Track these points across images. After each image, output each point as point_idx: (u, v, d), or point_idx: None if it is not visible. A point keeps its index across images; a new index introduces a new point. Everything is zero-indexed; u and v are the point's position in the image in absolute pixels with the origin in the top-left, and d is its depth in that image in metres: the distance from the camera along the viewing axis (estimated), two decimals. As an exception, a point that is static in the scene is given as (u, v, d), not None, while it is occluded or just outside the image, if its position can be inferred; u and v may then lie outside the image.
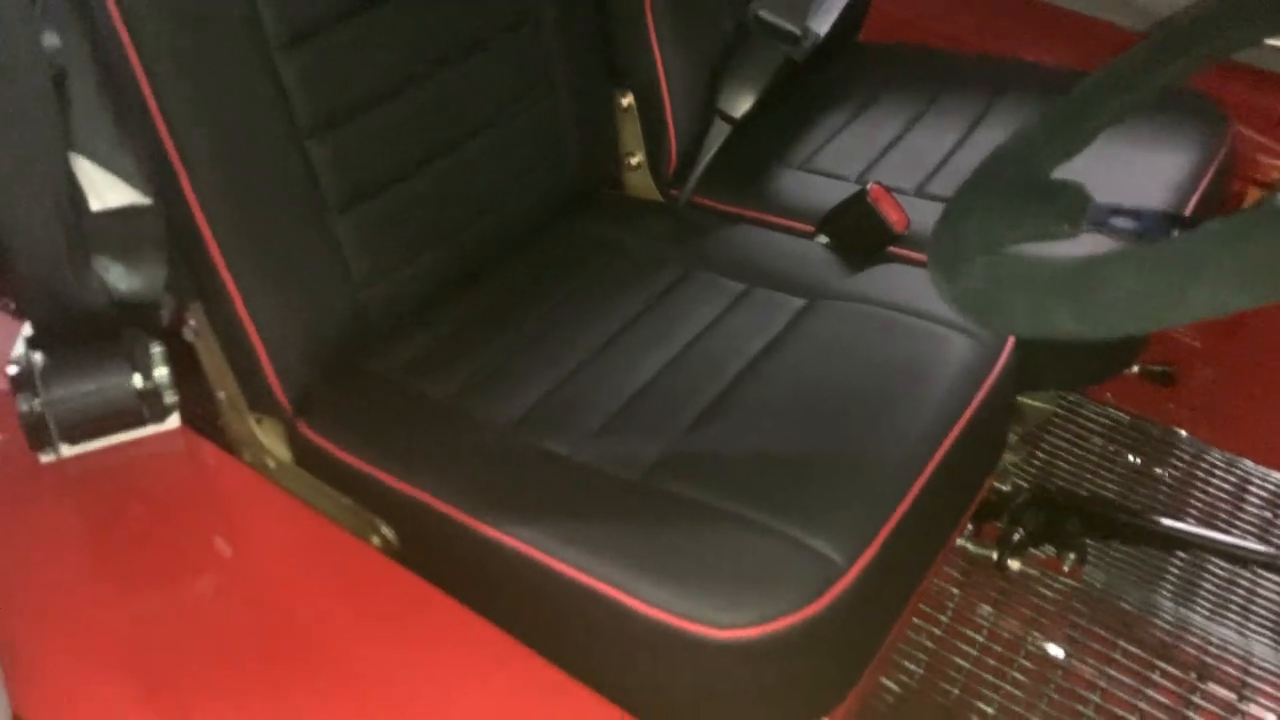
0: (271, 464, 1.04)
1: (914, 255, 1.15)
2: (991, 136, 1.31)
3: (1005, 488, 1.24)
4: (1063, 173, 1.25)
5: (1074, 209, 0.68)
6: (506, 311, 1.11)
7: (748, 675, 0.81)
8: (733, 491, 0.87)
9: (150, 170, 0.85)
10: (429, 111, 1.05)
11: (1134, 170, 1.21)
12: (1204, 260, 0.47)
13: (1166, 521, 1.26)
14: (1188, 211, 1.16)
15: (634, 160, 1.30)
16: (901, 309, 1.05)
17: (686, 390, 0.99)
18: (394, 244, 1.05)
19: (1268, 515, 1.35)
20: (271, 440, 1.03)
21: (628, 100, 1.27)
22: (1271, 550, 1.24)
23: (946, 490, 0.94)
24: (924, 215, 1.16)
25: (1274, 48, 1.42)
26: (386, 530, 0.96)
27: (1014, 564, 1.21)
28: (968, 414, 0.94)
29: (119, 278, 0.83)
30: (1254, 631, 1.22)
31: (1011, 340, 1.02)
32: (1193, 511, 1.33)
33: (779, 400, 0.97)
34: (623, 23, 1.21)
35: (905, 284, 1.09)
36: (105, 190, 0.81)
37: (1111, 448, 1.39)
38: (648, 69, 1.24)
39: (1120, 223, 0.67)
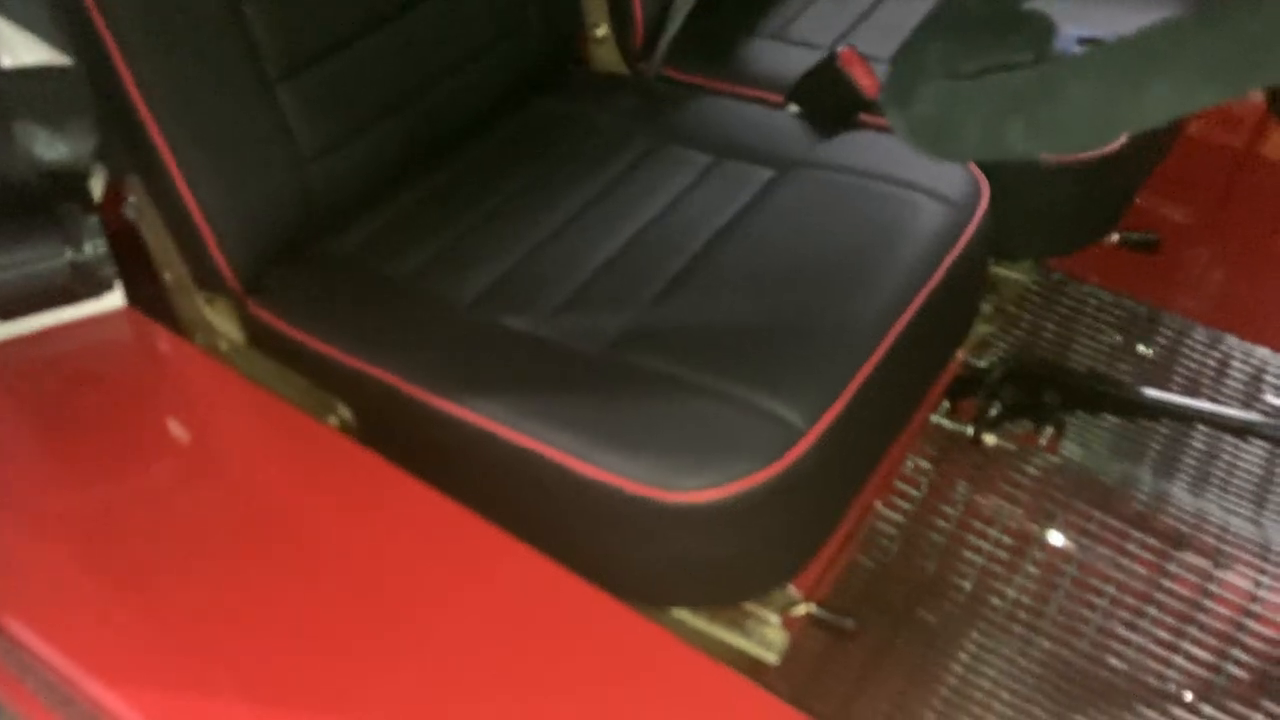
0: (224, 346, 1.01)
1: (886, 122, 1.10)
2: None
3: (982, 363, 1.22)
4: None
5: (1039, 37, 0.64)
6: (466, 189, 1.07)
7: (707, 540, 0.80)
8: (695, 361, 0.85)
9: (70, 30, 0.80)
10: None
11: (1113, 17, 1.16)
12: (1164, 53, 0.43)
13: (1147, 391, 1.24)
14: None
15: (599, 32, 1.25)
16: (872, 175, 1.02)
17: (652, 264, 0.96)
18: (342, 114, 1.01)
19: (1251, 390, 1.34)
20: (223, 321, 1.00)
21: (590, -32, 1.21)
22: (1252, 416, 1.23)
23: (914, 356, 0.91)
24: (898, 82, 1.12)
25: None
26: (344, 410, 0.94)
27: (990, 439, 1.19)
28: (936, 277, 0.92)
29: (43, 145, 0.79)
30: (1231, 503, 1.21)
31: (984, 205, 0.99)
32: (1175, 387, 1.30)
33: (745, 270, 0.94)
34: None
35: (877, 150, 1.05)
36: (18, 47, 0.76)
37: (1092, 325, 1.36)
38: (610, -66, 1.18)
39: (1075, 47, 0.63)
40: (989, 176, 1.01)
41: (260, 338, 0.98)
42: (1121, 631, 1.10)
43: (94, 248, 0.83)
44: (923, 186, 0.99)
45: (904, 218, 0.97)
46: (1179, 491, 1.21)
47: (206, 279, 0.97)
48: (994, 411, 1.19)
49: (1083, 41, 0.64)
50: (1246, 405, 1.30)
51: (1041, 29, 0.64)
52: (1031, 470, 1.21)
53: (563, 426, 0.81)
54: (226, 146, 0.92)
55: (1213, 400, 1.29)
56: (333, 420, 0.94)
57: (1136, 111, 0.45)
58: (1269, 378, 1.34)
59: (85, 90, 0.81)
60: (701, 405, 0.81)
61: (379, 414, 0.92)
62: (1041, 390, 1.20)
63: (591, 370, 0.87)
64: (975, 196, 0.99)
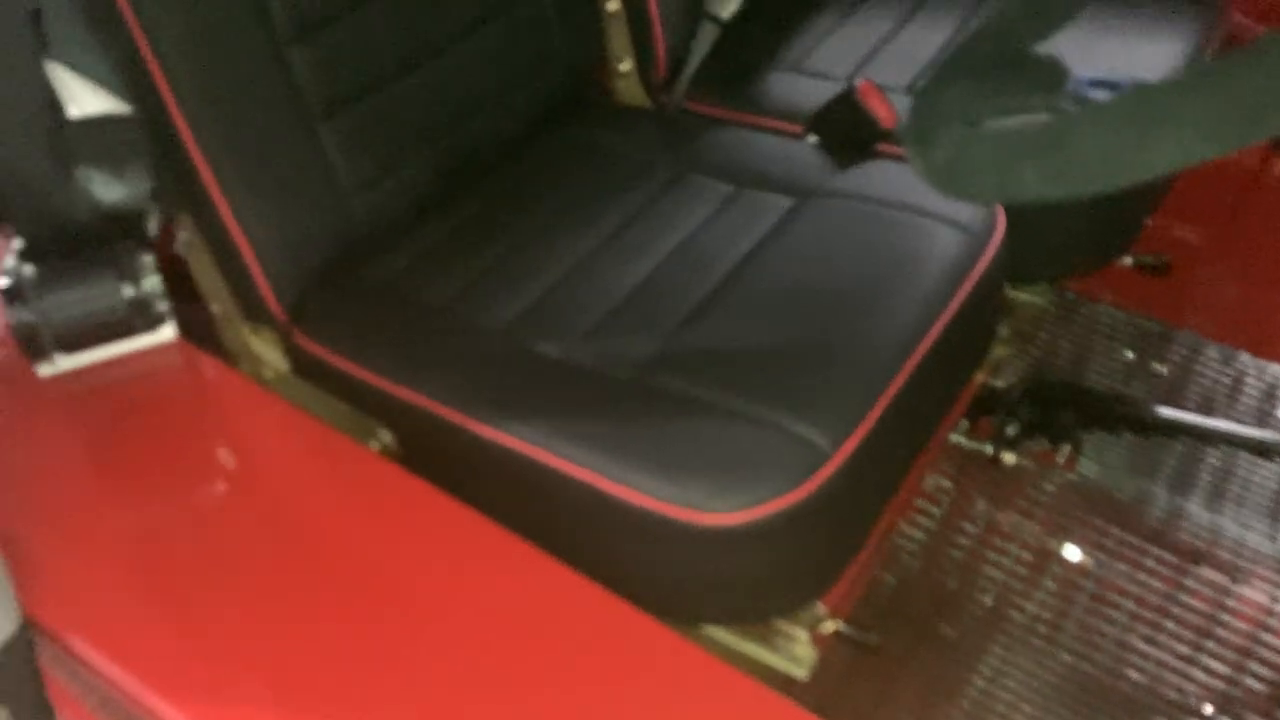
0: (269, 374, 1.05)
1: (902, 152, 1.14)
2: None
3: (1000, 383, 1.25)
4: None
5: (1051, 82, 0.67)
6: (498, 218, 1.11)
7: (736, 560, 0.83)
8: (722, 384, 0.89)
9: (128, 77, 0.85)
10: (411, 15, 1.05)
11: (1126, 55, 1.20)
12: (1168, 108, 0.47)
13: (1162, 410, 1.27)
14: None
15: (623, 67, 1.29)
16: (889, 204, 1.05)
17: (677, 290, 1.00)
18: (381, 150, 1.05)
19: (1265, 407, 1.36)
20: (268, 350, 1.04)
21: (614, 6, 1.25)
22: (1266, 434, 1.25)
23: (934, 380, 0.95)
24: (913, 112, 1.16)
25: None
26: (385, 434, 0.98)
27: (1009, 458, 1.22)
28: (954, 304, 0.95)
29: (103, 187, 0.84)
30: (1247, 519, 1.23)
31: (1000, 231, 1.02)
32: (1189, 405, 1.33)
33: (768, 297, 0.98)
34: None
35: (894, 179, 1.09)
36: (83, 97, 0.81)
37: (1107, 344, 1.39)
38: (634, -28, 1.22)
39: (1099, 94, 0.66)
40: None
41: (304, 365, 1.02)
42: (1140, 645, 1.12)
43: (149, 285, 0.87)
44: (939, 215, 1.02)
45: (922, 245, 1.00)
46: (1195, 508, 1.24)
47: (252, 311, 1.01)
48: (1012, 431, 1.22)
49: (1094, 84, 0.68)
50: (1261, 421, 1.32)
51: (1053, 74, 0.68)
52: (1049, 487, 1.24)
53: (595, 449, 0.85)
54: (272, 186, 0.97)
55: (1227, 417, 1.31)
56: (374, 444, 0.98)
57: (1141, 163, 0.48)
58: (1283, 394, 1.37)
59: (143, 136, 0.85)
60: (730, 429, 0.85)
61: (419, 438, 0.96)
62: (1058, 409, 1.23)
63: (622, 394, 0.90)
64: (991, 223, 1.02)
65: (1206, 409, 1.33)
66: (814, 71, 1.29)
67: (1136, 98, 0.48)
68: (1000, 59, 0.71)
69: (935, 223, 1.02)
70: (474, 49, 1.11)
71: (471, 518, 0.84)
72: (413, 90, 1.06)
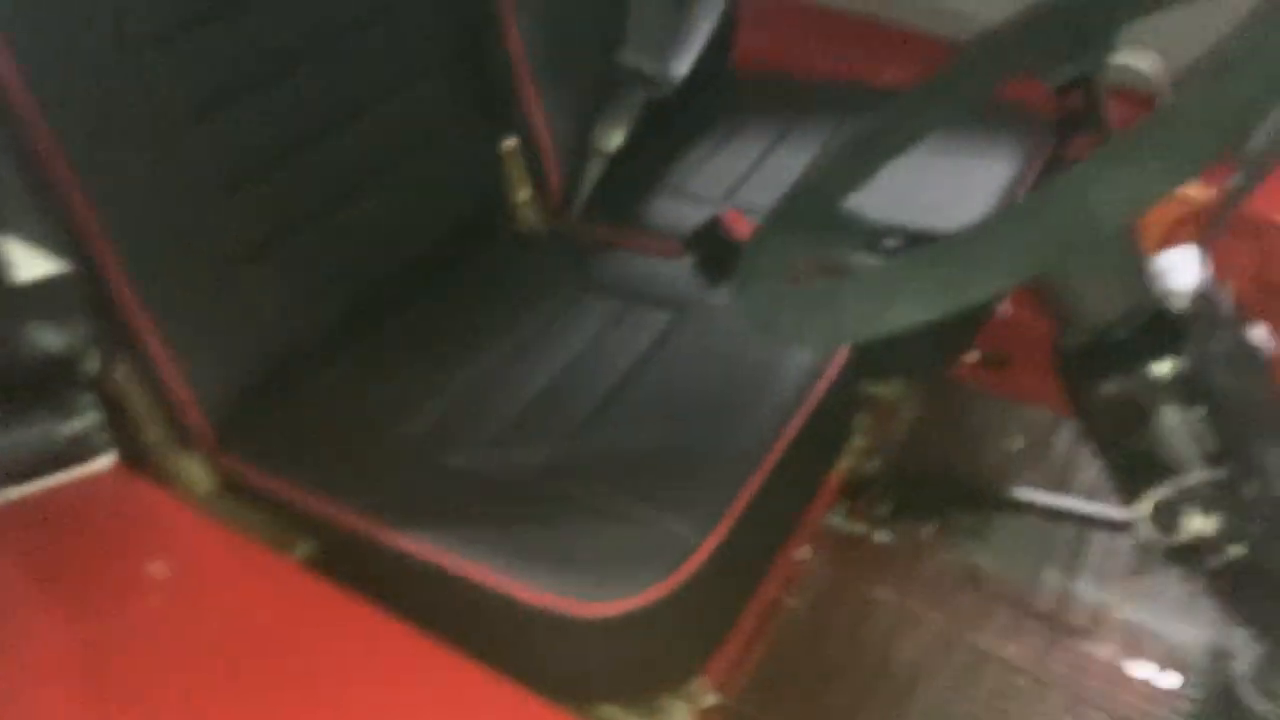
0: (200, 493, 1.15)
1: (771, 268, 1.29)
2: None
3: (871, 468, 1.39)
4: (894, 182, 1.40)
5: (849, 235, 0.82)
6: (411, 340, 1.24)
7: (616, 648, 0.94)
8: (605, 487, 1.01)
9: (66, 233, 0.96)
10: (327, 167, 1.18)
11: (961, 181, 1.36)
12: (897, 283, 0.61)
13: (1019, 489, 1.41)
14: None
15: (522, 196, 1.44)
16: None
17: (571, 402, 1.12)
18: (303, 283, 1.18)
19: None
20: (198, 471, 1.14)
21: (511, 143, 1.40)
22: (1116, 512, 1.39)
23: (793, 472, 1.08)
24: (780, 231, 1.31)
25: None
26: (307, 545, 1.08)
27: (881, 536, 1.35)
28: (807, 406, 1.09)
29: (46, 339, 0.94)
30: (1103, 585, 1.37)
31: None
32: (1048, 479, 1.48)
33: (648, 405, 1.11)
34: (501, 75, 1.35)
35: None
36: (28, 262, 0.92)
37: (970, 424, 1.54)
38: (526, 116, 1.37)
39: (890, 243, 0.81)
40: None
41: (231, 484, 1.13)
42: (1011, 707, 1.25)
43: (87, 421, 0.97)
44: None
45: (777, 354, 1.14)
46: (1051, 575, 1.38)
47: (183, 436, 1.12)
48: (884, 511, 1.36)
49: (887, 235, 0.82)
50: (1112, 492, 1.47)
51: (851, 228, 0.82)
52: (920, 564, 1.37)
53: (493, 551, 0.96)
54: (200, 323, 1.08)
55: (1082, 487, 1.46)
56: (297, 554, 1.08)
57: (884, 325, 0.62)
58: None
59: (82, 290, 0.96)
60: (610, 527, 0.97)
61: (338, 547, 1.06)
62: (924, 491, 1.37)
63: (519, 499, 1.02)
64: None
65: (1062, 480, 1.47)
66: (692, 194, 1.45)
67: (876, 273, 0.62)
68: (810, 214, 0.85)
69: (793, 334, 1.16)
70: (388, 190, 1.25)
71: (387, 622, 0.94)
72: (328, 236, 1.19)
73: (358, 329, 1.24)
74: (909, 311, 0.61)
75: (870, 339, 0.64)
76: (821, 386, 1.11)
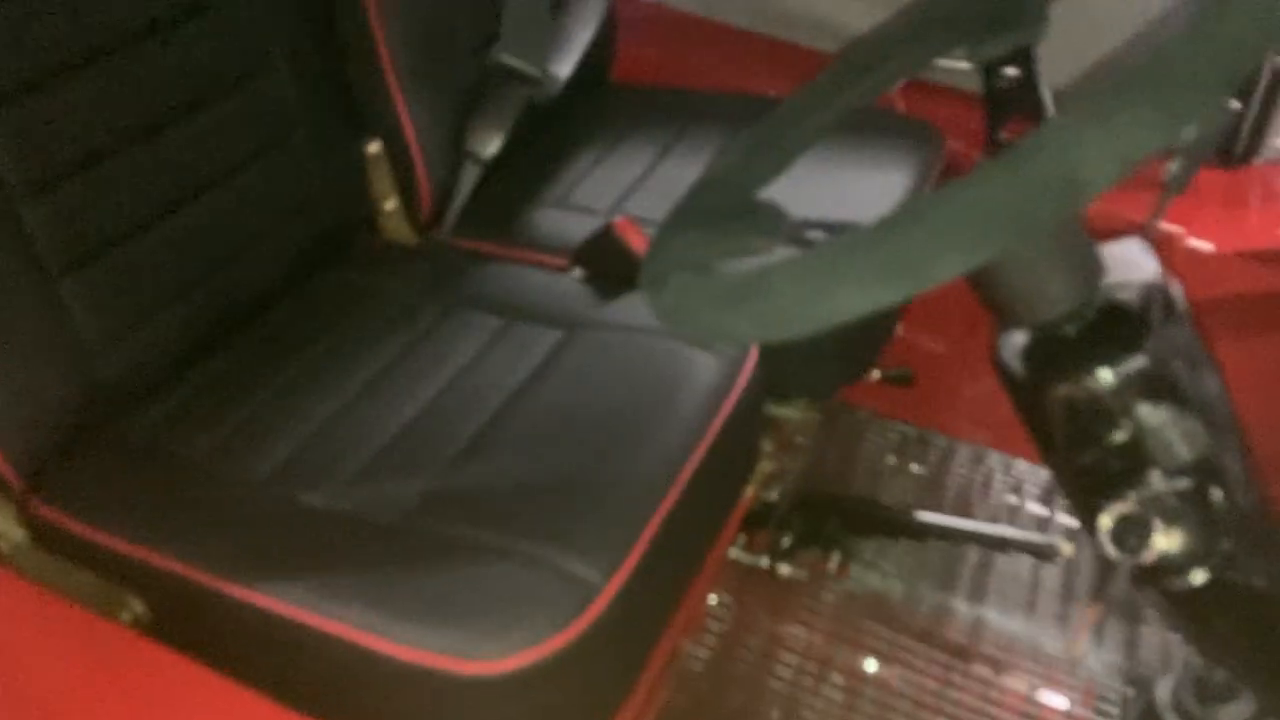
0: (5, 547, 0.97)
1: (664, 282, 1.19)
2: (734, 166, 1.39)
3: (772, 496, 1.30)
4: (785, 196, 1.33)
5: (769, 226, 0.72)
6: (259, 365, 1.09)
7: (507, 710, 0.82)
8: (491, 524, 0.88)
9: None
10: (158, 168, 1.03)
11: (854, 190, 1.30)
12: (846, 262, 0.51)
13: (921, 514, 1.35)
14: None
15: (388, 205, 1.30)
16: (650, 333, 1.09)
17: (448, 428, 1.00)
18: (129, 305, 1.01)
19: (1013, 500, 1.47)
20: (3, 521, 0.97)
21: (375, 147, 1.27)
22: (1008, 532, 1.34)
23: (701, 501, 0.98)
24: (673, 243, 1.22)
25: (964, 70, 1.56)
26: (136, 604, 0.92)
27: (784, 570, 1.26)
28: (713, 428, 0.99)
29: None
30: (1007, 611, 1.31)
31: (754, 357, 1.08)
32: (948, 504, 1.42)
33: (539, 431, 0.99)
34: (361, 71, 1.21)
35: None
36: None
37: (870, 450, 1.48)
38: (391, 116, 1.24)
39: (813, 235, 0.72)
40: None
41: (44, 536, 0.95)
42: (919, 743, 1.17)
43: None
44: (696, 342, 1.07)
45: (680, 372, 1.04)
46: (959, 604, 1.31)
47: (-16, 482, 0.94)
48: (786, 542, 1.27)
49: (810, 226, 0.74)
50: (1012, 515, 1.42)
51: (771, 219, 0.73)
52: (826, 596, 1.29)
53: (352, 601, 0.82)
54: (5, 350, 0.91)
55: (982, 512, 1.41)
56: (125, 616, 0.92)
57: (831, 310, 0.52)
58: (1029, 488, 1.48)
59: None
60: (495, 569, 0.84)
61: (172, 606, 0.91)
62: (827, 519, 1.28)
63: (388, 541, 0.88)
64: (744, 348, 1.08)
65: (964, 506, 1.42)
66: (577, 206, 1.34)
67: (823, 250, 0.53)
68: (724, 206, 0.76)
69: (693, 350, 1.06)
70: (230, 196, 1.10)
71: (234, 691, 0.80)
72: (162, 240, 1.04)
73: (198, 355, 1.09)
74: (858, 297, 0.52)
75: (808, 332, 0.55)
76: (728, 406, 1.02)
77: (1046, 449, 0.69)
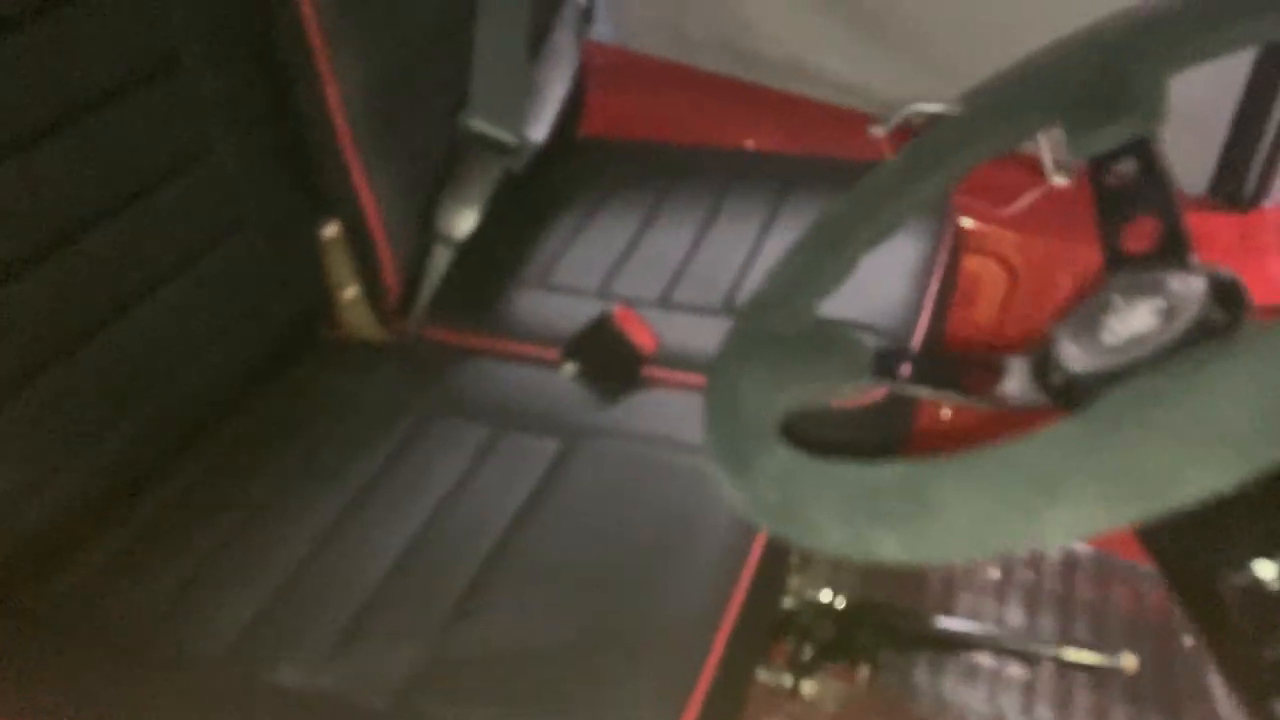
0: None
1: (668, 375, 1.06)
2: (728, 233, 1.26)
3: (790, 605, 1.17)
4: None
5: (855, 360, 0.59)
6: (208, 498, 0.93)
7: None
8: (506, 702, 0.74)
9: None
10: (86, 276, 0.86)
11: (869, 263, 1.18)
12: (1062, 474, 0.39)
13: (945, 621, 1.22)
14: (930, 296, 1.14)
15: (348, 294, 1.15)
16: (663, 443, 0.95)
17: (438, 573, 0.85)
18: (53, 438, 0.84)
19: (1031, 601, 1.35)
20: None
21: (332, 230, 1.11)
22: (1036, 643, 1.23)
23: (747, 636, 0.84)
24: (673, 328, 1.09)
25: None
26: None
27: (808, 688, 1.13)
28: (755, 551, 0.86)
29: None
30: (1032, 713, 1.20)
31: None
32: (962, 607, 1.30)
33: (546, 573, 0.84)
34: (316, 145, 1.05)
35: (663, 413, 1.00)
36: None
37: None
38: (350, 192, 1.08)
39: (906, 370, 0.59)
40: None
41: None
42: None
43: None
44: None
45: (704, 488, 0.91)
46: (977, 704, 1.19)
47: None
48: (808, 654, 1.14)
49: (899, 357, 0.61)
50: (1029, 611, 1.30)
51: (854, 349, 0.60)
52: (853, 709, 1.16)
53: None
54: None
55: (997, 616, 1.29)
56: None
57: (1030, 536, 0.40)
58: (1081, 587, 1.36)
59: None
60: None
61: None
62: (855, 627, 1.16)
63: None
64: None
65: (978, 609, 1.29)
66: (561, 287, 1.20)
67: (1020, 458, 0.40)
68: (787, 333, 0.63)
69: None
70: (167, 305, 0.93)
71: None
72: (88, 366, 0.87)
73: (133, 492, 0.92)
74: (1088, 514, 0.39)
75: (987, 557, 0.42)
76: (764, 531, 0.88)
77: (1212, 638, 0.57)
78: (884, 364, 0.59)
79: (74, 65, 0.84)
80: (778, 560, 0.91)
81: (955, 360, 0.62)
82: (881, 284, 1.12)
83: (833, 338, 0.61)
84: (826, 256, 0.67)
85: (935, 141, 0.69)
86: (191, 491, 0.93)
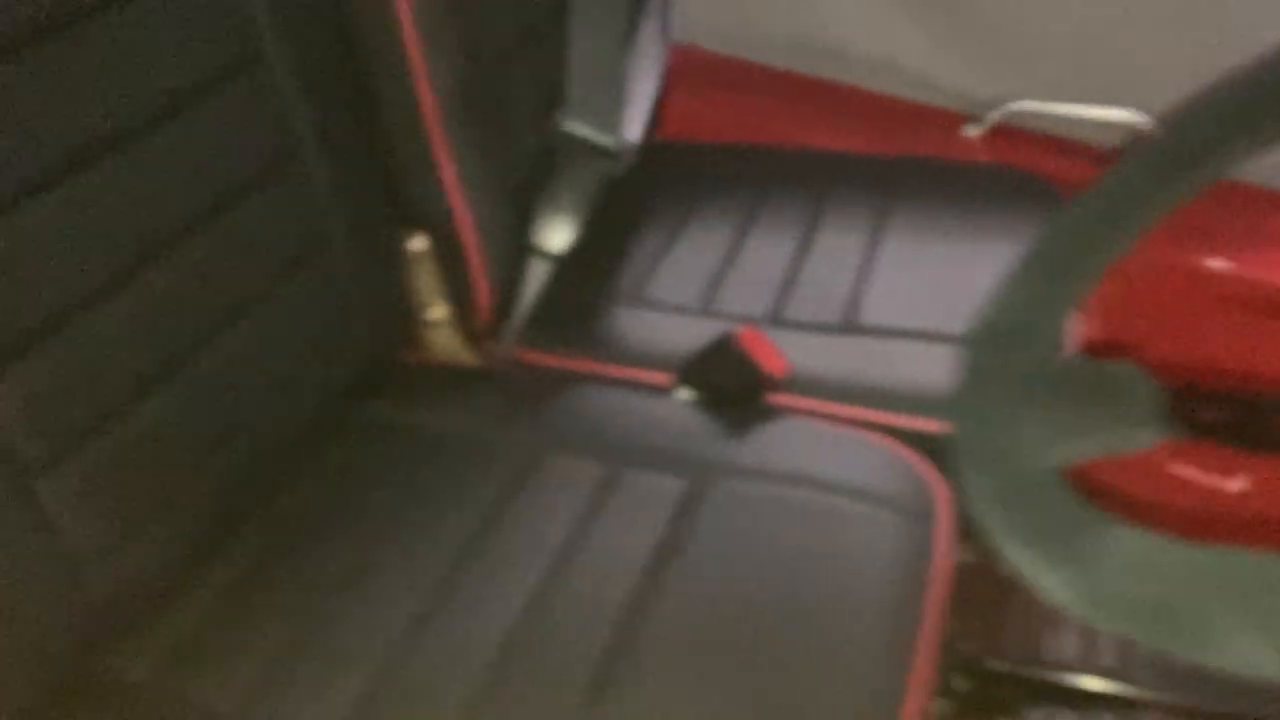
0: None
1: (794, 402, 0.96)
2: (833, 241, 1.16)
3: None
4: (901, 276, 1.09)
5: (1148, 405, 0.49)
6: (296, 555, 0.82)
7: None
8: None
9: None
10: (166, 304, 0.75)
11: (984, 264, 1.08)
12: None
13: (1090, 681, 1.11)
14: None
15: (435, 313, 1.04)
16: (806, 481, 0.85)
17: (566, 639, 0.74)
18: (129, 496, 0.74)
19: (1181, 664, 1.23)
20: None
21: (420, 244, 1.00)
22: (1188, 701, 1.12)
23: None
24: (790, 349, 0.98)
25: (1081, 119, 1.36)
26: None
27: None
28: (930, 608, 0.76)
29: None
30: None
31: (945, 502, 0.85)
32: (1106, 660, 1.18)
33: (694, 637, 0.74)
34: (405, 150, 0.95)
35: (799, 446, 0.90)
36: None
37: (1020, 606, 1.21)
38: (441, 202, 0.97)
39: (1209, 415, 0.49)
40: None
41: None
42: None
43: None
44: (864, 491, 0.84)
45: (858, 537, 0.80)
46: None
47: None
48: (944, 710, 1.03)
49: (1202, 398, 0.50)
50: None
51: (1146, 393, 0.50)
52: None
53: None
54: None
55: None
56: None
57: None
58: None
59: None
60: None
61: None
62: (989, 680, 1.05)
63: None
64: (930, 497, 0.85)
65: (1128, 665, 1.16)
66: (659, 303, 1.10)
67: None
68: (1041, 371, 0.53)
69: (867, 506, 0.83)
70: (249, 337, 0.82)
71: None
72: (163, 411, 0.75)
73: (211, 550, 0.82)
74: None
75: None
76: (938, 577, 0.78)
77: None
78: (1183, 409, 0.49)
79: (153, 64, 0.73)
80: (946, 618, 0.81)
81: (1252, 402, 0.52)
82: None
83: (1106, 375, 0.51)
84: (1073, 274, 0.57)
85: (1190, 133, 0.59)
86: (277, 548, 0.83)
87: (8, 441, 0.65)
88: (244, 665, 0.73)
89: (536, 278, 1.03)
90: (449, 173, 0.96)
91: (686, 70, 1.49)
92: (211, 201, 0.78)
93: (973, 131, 1.43)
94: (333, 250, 0.90)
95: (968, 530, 0.86)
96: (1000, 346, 0.55)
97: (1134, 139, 1.26)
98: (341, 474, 0.90)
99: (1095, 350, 1.21)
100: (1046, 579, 0.42)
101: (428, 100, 0.93)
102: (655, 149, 1.38)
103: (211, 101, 0.78)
